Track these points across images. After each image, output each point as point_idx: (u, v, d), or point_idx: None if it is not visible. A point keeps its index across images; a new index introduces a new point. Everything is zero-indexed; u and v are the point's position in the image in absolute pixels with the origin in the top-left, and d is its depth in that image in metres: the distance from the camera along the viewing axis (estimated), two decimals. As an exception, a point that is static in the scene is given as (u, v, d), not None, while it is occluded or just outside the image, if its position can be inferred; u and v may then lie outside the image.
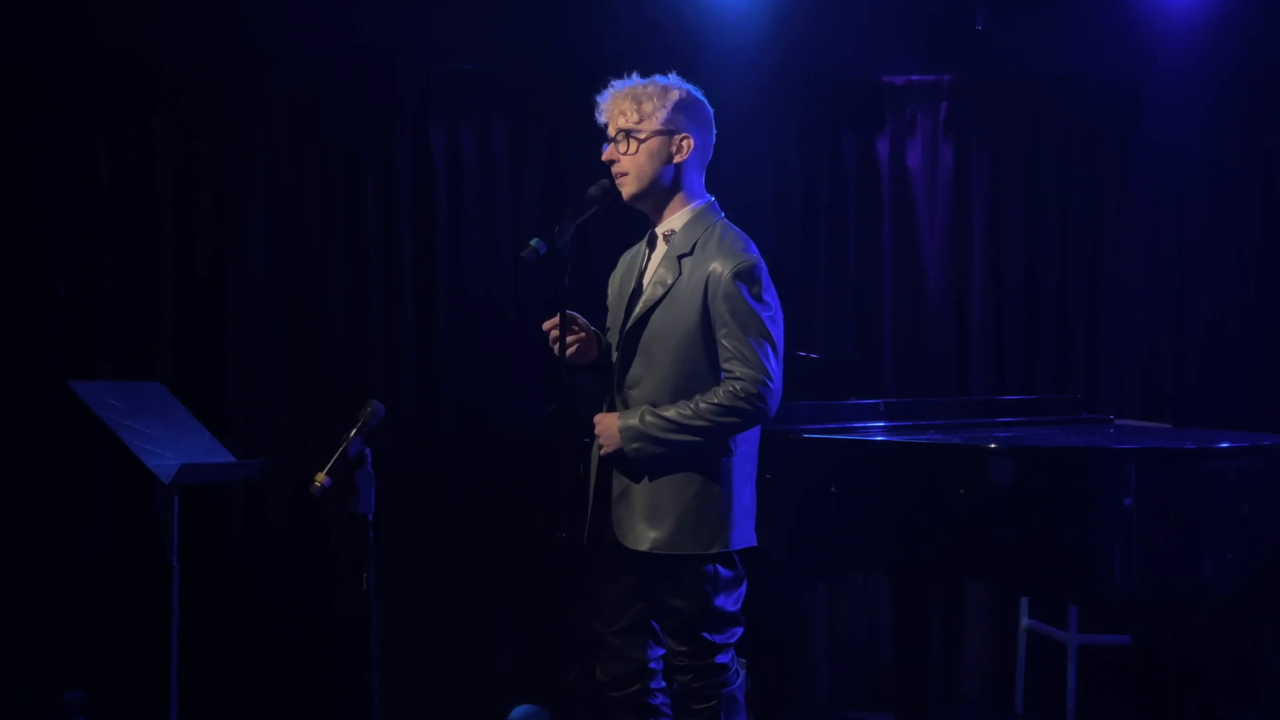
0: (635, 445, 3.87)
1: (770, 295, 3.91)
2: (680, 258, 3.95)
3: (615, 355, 4.04)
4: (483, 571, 6.15)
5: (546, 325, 3.98)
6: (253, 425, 6.12)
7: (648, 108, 3.94)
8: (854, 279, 6.66)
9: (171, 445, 4.77)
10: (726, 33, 6.20)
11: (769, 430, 4.13)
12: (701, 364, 3.89)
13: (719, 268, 3.87)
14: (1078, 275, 6.72)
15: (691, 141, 3.99)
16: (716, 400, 3.81)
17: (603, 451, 3.96)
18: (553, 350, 3.94)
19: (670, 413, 3.84)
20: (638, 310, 3.99)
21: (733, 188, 6.14)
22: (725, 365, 3.84)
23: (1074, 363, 6.72)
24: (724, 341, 3.84)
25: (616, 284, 4.18)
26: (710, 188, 4.13)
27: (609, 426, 3.93)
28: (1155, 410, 6.55)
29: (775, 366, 3.84)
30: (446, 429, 6.28)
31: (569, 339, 3.99)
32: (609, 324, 4.14)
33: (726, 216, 4.08)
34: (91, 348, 5.98)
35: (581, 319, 4.05)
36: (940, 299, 6.67)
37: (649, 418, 3.86)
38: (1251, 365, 6.64)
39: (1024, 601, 6.43)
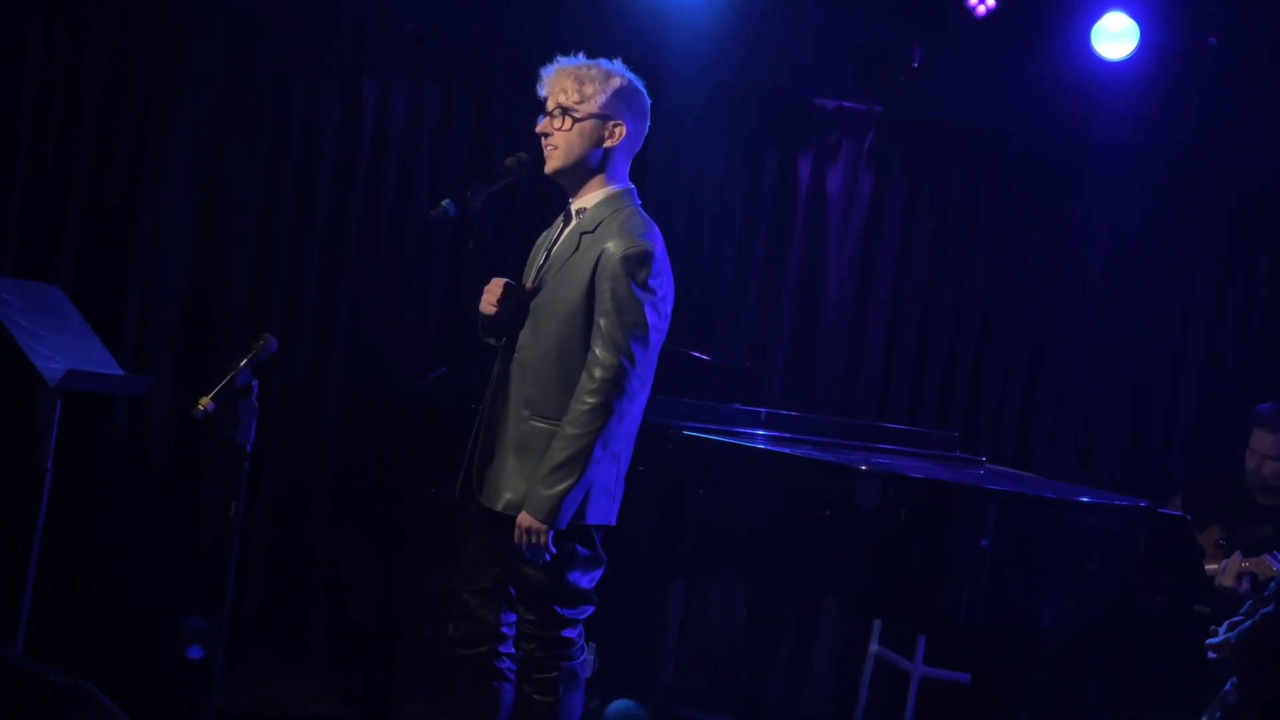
0: (555, 512, 3.86)
1: (659, 282, 3.97)
2: (583, 234, 4.03)
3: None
4: (352, 518, 6.19)
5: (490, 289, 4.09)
6: (146, 346, 6.09)
7: (589, 89, 4.03)
8: (756, 290, 6.78)
9: (61, 349, 4.74)
10: (669, 34, 6.27)
11: (648, 422, 4.20)
12: (579, 339, 3.95)
13: (612, 248, 3.94)
14: (970, 322, 6.93)
15: (625, 129, 4.07)
16: (581, 409, 3.86)
17: (540, 543, 3.90)
18: (484, 306, 4.05)
19: (550, 464, 3.87)
20: (534, 279, 4.09)
21: (653, 186, 6.27)
22: (592, 343, 3.91)
23: (955, 403, 6.91)
24: (599, 320, 3.92)
25: (531, 255, 4.26)
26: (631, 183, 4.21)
27: (526, 521, 3.89)
28: (1027, 461, 6.70)
29: (640, 353, 3.91)
30: (335, 376, 6.30)
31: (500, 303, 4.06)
32: None
33: (644, 212, 4.15)
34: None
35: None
36: (837, 322, 6.81)
37: (540, 489, 3.87)
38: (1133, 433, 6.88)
39: (877, 626, 6.54)
